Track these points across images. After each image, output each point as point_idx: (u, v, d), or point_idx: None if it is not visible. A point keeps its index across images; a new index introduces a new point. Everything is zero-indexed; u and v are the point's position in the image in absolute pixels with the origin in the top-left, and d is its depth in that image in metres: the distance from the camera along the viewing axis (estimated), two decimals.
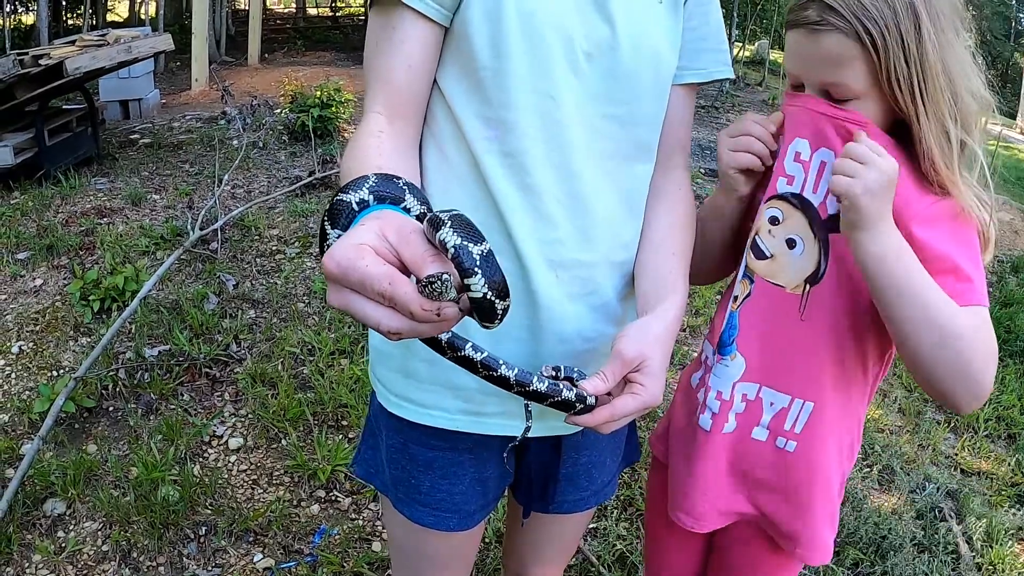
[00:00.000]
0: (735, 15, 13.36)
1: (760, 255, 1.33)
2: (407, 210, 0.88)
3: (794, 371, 1.33)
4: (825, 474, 1.37)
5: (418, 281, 0.72)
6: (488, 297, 0.76)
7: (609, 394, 1.06)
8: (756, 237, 1.34)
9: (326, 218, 0.85)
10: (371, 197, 0.85)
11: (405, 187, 0.89)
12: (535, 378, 0.98)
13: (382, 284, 0.72)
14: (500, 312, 0.79)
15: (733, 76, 1.36)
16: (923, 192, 1.21)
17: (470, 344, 0.92)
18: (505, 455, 1.28)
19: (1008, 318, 4.81)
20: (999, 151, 8.98)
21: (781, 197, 1.30)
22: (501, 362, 0.95)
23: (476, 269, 0.75)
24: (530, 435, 1.22)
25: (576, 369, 1.08)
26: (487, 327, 0.82)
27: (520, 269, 1.18)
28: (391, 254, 0.76)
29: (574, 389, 1.01)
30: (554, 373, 1.06)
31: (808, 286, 1.29)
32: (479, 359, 0.92)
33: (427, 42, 1.12)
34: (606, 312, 1.27)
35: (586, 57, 1.13)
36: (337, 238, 0.83)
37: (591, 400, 1.03)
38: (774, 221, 1.31)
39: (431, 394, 1.25)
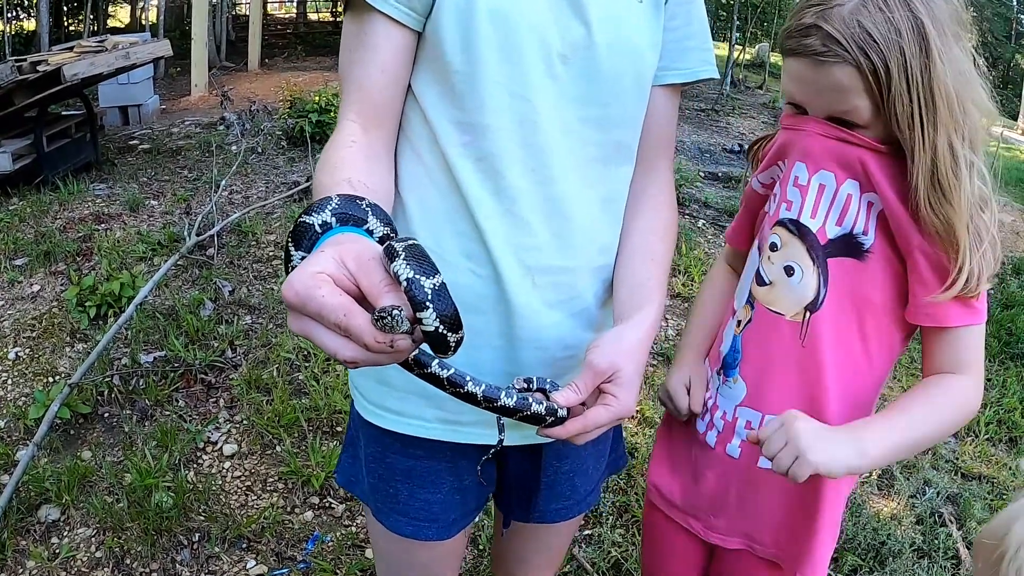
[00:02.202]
0: (735, 18, 13.34)
1: (761, 281, 1.34)
2: (370, 232, 0.88)
3: (795, 395, 1.32)
4: (832, 489, 1.36)
5: (372, 312, 0.73)
6: (440, 331, 0.78)
7: (584, 404, 1.05)
8: (760, 264, 1.34)
9: (290, 240, 0.86)
10: (334, 219, 0.86)
11: (368, 208, 0.90)
12: (503, 393, 0.98)
13: (337, 315, 0.73)
14: (453, 344, 0.81)
15: (718, 76, 1.35)
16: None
17: (436, 360, 0.92)
18: (479, 467, 1.27)
19: (1009, 320, 4.78)
20: (1000, 152, 8.97)
21: (781, 223, 1.30)
22: (468, 378, 0.95)
23: (428, 304, 0.77)
24: (508, 444, 1.21)
25: (549, 380, 1.08)
26: (442, 358, 0.84)
27: (494, 275, 1.16)
28: (349, 281, 0.77)
29: (544, 402, 1.02)
30: (525, 385, 1.06)
31: (808, 313, 1.29)
32: (445, 376, 0.93)
33: (400, 47, 1.11)
34: (586, 318, 1.25)
35: (561, 59, 1.12)
36: (300, 259, 0.84)
37: (562, 412, 1.03)
38: (773, 247, 1.31)
39: (407, 403, 1.24)
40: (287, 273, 0.83)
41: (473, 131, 1.12)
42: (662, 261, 1.24)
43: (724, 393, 1.39)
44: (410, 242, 0.79)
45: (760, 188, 1.43)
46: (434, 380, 0.93)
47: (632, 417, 3.06)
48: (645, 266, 1.22)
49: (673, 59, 1.24)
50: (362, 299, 0.76)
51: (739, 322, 1.38)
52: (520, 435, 1.26)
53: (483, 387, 0.96)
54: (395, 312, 0.72)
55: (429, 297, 0.76)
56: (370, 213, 0.89)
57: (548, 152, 1.14)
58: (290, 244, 0.86)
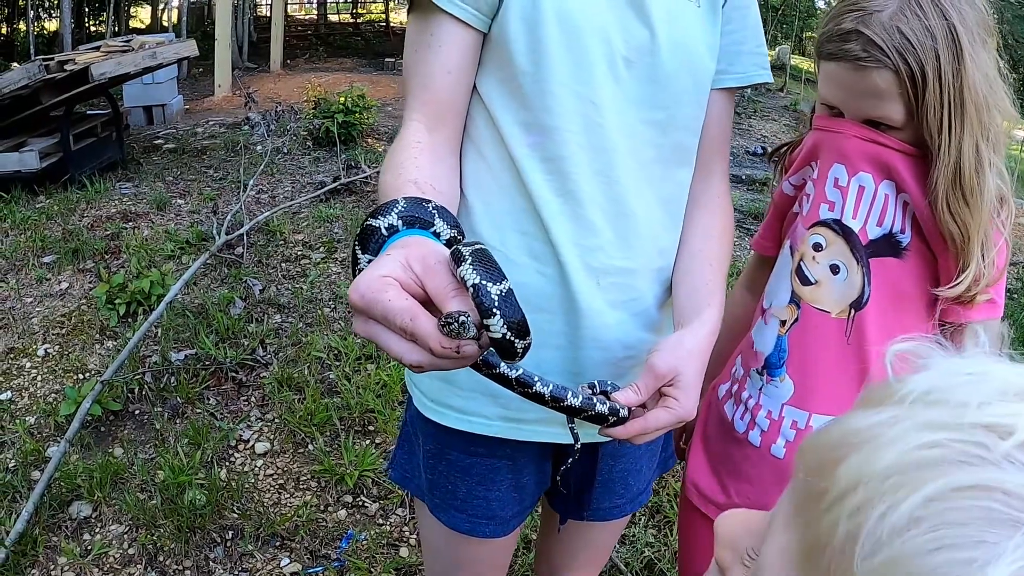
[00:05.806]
0: None
1: (805, 281, 1.34)
2: (437, 234, 0.88)
3: (844, 394, 1.32)
4: None
5: (439, 317, 0.73)
6: (507, 337, 0.77)
7: (644, 406, 1.06)
8: (801, 263, 1.35)
9: (357, 243, 0.87)
10: (400, 222, 0.86)
11: (435, 211, 0.89)
12: (569, 393, 0.99)
13: (403, 320, 0.73)
14: (520, 351, 0.80)
15: (772, 80, 1.35)
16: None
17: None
18: (559, 477, 1.28)
19: None
20: (1022, 156, 8.89)
21: (823, 223, 1.31)
22: (536, 378, 0.95)
23: (495, 310, 0.75)
24: (566, 443, 1.23)
25: (610, 383, 1.09)
26: (509, 363, 0.84)
27: (560, 275, 1.17)
28: (415, 285, 0.76)
29: (608, 402, 1.02)
30: (590, 390, 1.07)
31: (853, 311, 1.30)
32: (514, 376, 0.93)
33: (466, 48, 1.12)
34: (646, 319, 1.26)
35: (626, 63, 1.12)
36: (368, 263, 0.84)
37: (624, 412, 1.04)
38: (818, 248, 1.32)
39: (471, 401, 1.25)
40: (355, 276, 0.84)
41: (540, 132, 1.13)
42: (720, 264, 1.25)
43: (769, 392, 1.39)
44: (477, 246, 0.79)
45: (791, 190, 1.44)
46: (503, 380, 0.93)
47: None
48: (703, 270, 1.23)
49: (729, 63, 1.25)
50: (428, 303, 0.76)
51: (783, 322, 1.38)
52: (581, 434, 1.26)
53: (550, 387, 0.97)
54: (462, 318, 0.71)
55: (496, 303, 0.75)
56: (437, 215, 0.89)
57: (612, 154, 1.14)
58: (357, 247, 0.86)
